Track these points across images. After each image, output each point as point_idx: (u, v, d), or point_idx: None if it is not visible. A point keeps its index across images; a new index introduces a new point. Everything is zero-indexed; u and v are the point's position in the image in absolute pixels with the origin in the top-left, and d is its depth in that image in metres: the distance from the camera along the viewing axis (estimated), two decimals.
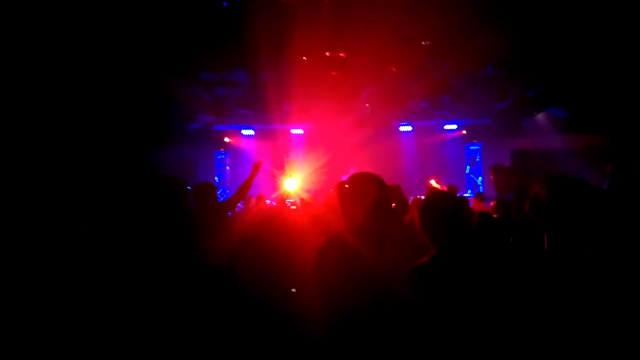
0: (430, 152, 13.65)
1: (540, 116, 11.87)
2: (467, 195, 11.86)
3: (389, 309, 1.94)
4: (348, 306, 2.01)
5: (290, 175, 6.50)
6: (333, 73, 8.29)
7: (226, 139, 13.05)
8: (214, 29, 7.13)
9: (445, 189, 7.64)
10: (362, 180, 2.27)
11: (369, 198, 2.16)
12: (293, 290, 4.10)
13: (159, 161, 10.33)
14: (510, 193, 6.52)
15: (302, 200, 5.31)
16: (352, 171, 11.76)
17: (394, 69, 8.25)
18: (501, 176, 6.94)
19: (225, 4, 6.74)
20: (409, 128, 13.32)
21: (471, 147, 13.65)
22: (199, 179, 11.80)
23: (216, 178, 12.83)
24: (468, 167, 13.67)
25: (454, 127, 13.40)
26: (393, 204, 2.65)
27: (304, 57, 8.19)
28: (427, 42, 7.74)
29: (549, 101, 10.88)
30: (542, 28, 7.00)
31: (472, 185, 13.44)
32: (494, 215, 4.26)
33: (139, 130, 8.66)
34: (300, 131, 12.97)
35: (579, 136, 11.73)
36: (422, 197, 6.02)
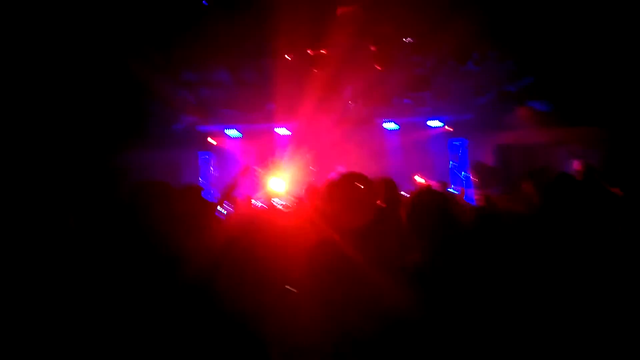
0: (415, 149, 13.68)
1: (522, 110, 11.99)
2: (452, 191, 11.92)
3: (383, 314, 1.93)
4: (342, 312, 1.99)
5: (276, 175, 6.47)
6: (315, 71, 8.26)
7: (210, 140, 12.94)
8: (195, 28, 7.06)
9: (434, 184, 7.64)
10: (349, 181, 2.25)
11: (356, 198, 2.14)
12: (288, 287, 4.04)
13: (143, 163, 10.20)
14: (492, 188, 6.68)
15: (294, 200, 5.27)
16: (339, 169, 11.75)
17: (375, 66, 8.26)
18: (483, 173, 7.12)
19: (205, 2, 6.68)
20: (393, 125, 13.34)
21: (455, 143, 13.73)
22: (184, 181, 11.69)
23: (200, 179, 12.71)
24: (452, 162, 13.75)
25: (439, 124, 13.45)
26: (380, 202, 2.63)
27: (286, 56, 8.16)
28: (408, 39, 7.77)
29: (531, 95, 10.98)
30: (524, 19, 7.05)
31: (457, 180, 13.52)
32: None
33: (121, 132, 8.55)
34: (285, 130, 12.91)
35: (562, 130, 11.86)
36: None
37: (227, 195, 4.26)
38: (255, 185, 11.25)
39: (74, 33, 5.98)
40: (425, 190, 2.38)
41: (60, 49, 5.93)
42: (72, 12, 5.71)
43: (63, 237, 2.82)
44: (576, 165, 6.66)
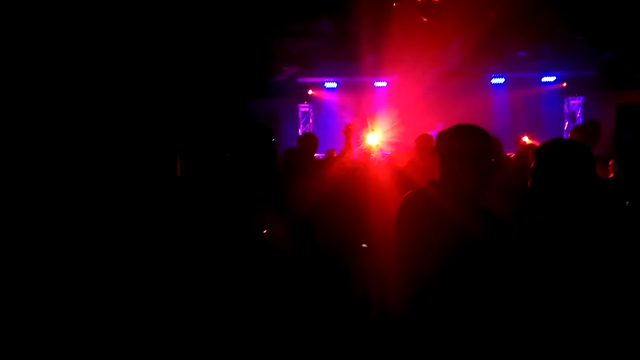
0: (524, 107, 12.74)
1: None
2: None
3: (474, 269, 1.81)
4: (427, 264, 1.90)
5: (373, 130, 6.33)
6: (424, 20, 7.80)
7: (310, 92, 13.01)
8: None
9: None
10: (464, 132, 2.09)
11: (469, 152, 1.99)
12: (364, 245, 4.09)
13: (245, 112, 10.51)
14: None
15: (389, 155, 5.20)
16: (439, 126, 11.30)
17: (492, 14, 7.60)
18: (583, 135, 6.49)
19: None
20: (502, 80, 12.46)
21: (571, 102, 12.56)
22: (283, 132, 11.97)
23: (299, 131, 12.93)
24: (567, 123, 12.63)
25: (553, 78, 12.35)
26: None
27: (393, 4, 7.81)
28: None
29: None
30: None
31: None
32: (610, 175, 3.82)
33: (230, 81, 8.83)
34: (384, 84, 12.59)
35: None
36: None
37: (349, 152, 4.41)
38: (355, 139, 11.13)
39: None
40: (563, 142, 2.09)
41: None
42: None
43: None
44: None
